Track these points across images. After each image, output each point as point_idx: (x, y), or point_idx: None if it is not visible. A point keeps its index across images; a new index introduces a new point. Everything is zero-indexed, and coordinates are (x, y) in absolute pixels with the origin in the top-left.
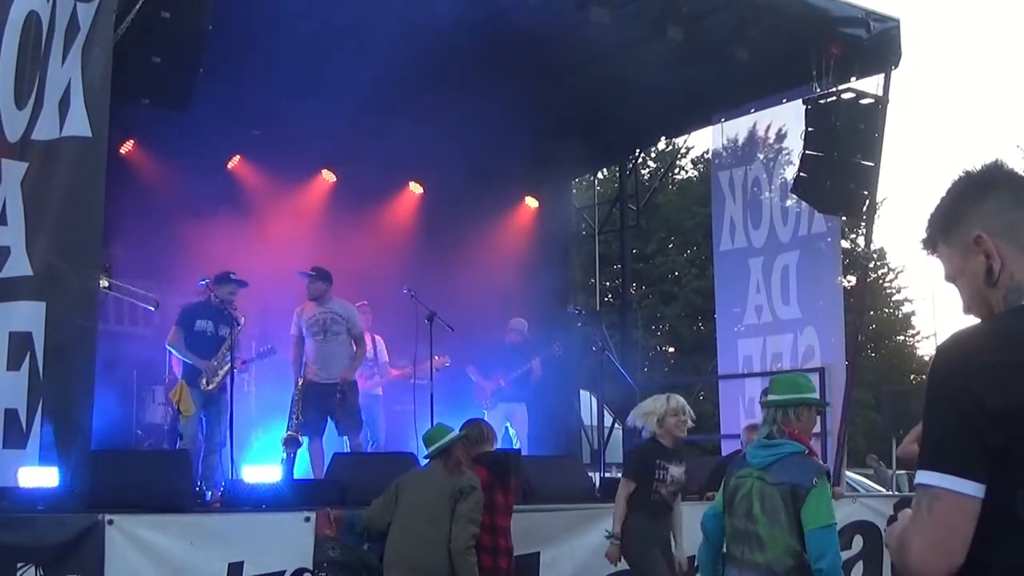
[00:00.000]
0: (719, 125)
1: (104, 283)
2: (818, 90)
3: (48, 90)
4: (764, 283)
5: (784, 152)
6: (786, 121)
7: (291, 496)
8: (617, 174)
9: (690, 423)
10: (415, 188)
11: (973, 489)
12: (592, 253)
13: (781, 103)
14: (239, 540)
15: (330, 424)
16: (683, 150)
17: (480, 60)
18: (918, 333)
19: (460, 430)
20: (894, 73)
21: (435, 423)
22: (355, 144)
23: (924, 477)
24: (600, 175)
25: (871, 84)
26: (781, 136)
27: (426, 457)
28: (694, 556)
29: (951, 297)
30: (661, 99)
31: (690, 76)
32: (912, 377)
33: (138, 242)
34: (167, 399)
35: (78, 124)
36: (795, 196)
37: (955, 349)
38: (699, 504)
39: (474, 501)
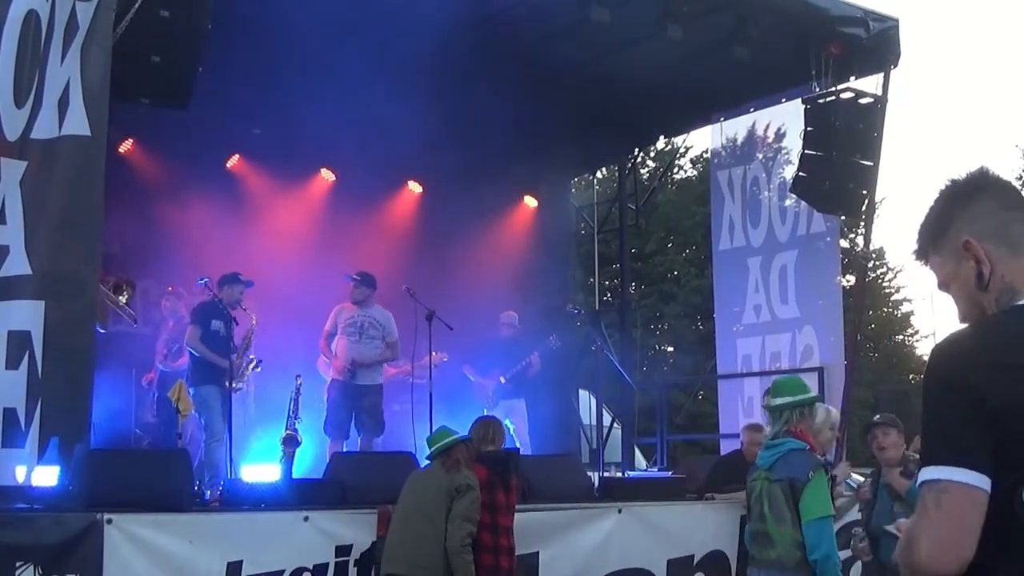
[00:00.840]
0: (718, 124)
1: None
2: (817, 89)
3: (47, 89)
4: (763, 282)
5: (783, 151)
6: (785, 120)
7: (290, 495)
8: (616, 173)
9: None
10: (414, 187)
11: (981, 481)
12: (591, 252)
13: (780, 102)
14: (238, 539)
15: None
16: (682, 149)
17: (480, 59)
18: (917, 333)
19: (470, 429)
20: (893, 73)
21: (439, 425)
22: (354, 143)
23: (929, 473)
24: (599, 174)
25: (870, 84)
26: (780, 135)
27: (428, 458)
28: (693, 555)
29: (949, 297)
30: (660, 98)
31: (689, 75)
32: (911, 377)
33: (137, 241)
34: (144, 381)
35: (77, 123)
36: (794, 195)
37: (953, 348)
38: (697, 504)
39: (470, 500)
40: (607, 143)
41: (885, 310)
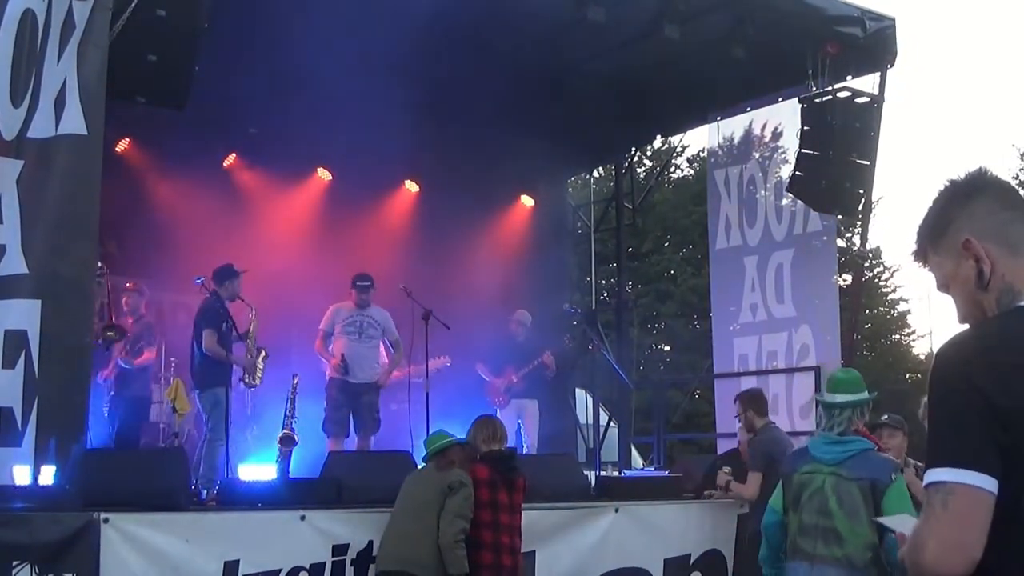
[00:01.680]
0: (715, 124)
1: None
2: (814, 89)
3: (44, 88)
4: (759, 282)
5: (780, 151)
6: (782, 120)
7: (287, 494)
8: (613, 172)
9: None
10: (411, 186)
11: (988, 483)
12: (588, 252)
13: (777, 102)
14: (235, 538)
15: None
16: (679, 149)
17: (477, 58)
18: (914, 332)
19: (471, 427)
20: (890, 72)
21: (436, 428)
22: (351, 142)
23: (936, 475)
24: (596, 174)
25: (867, 83)
26: (777, 135)
27: (424, 459)
28: (689, 555)
29: (947, 297)
30: (657, 97)
31: (686, 74)
32: (908, 376)
33: (134, 241)
34: (101, 377)
35: (74, 122)
36: (791, 195)
37: (957, 350)
38: (694, 503)
39: (463, 496)
40: (604, 142)
41: (881, 309)
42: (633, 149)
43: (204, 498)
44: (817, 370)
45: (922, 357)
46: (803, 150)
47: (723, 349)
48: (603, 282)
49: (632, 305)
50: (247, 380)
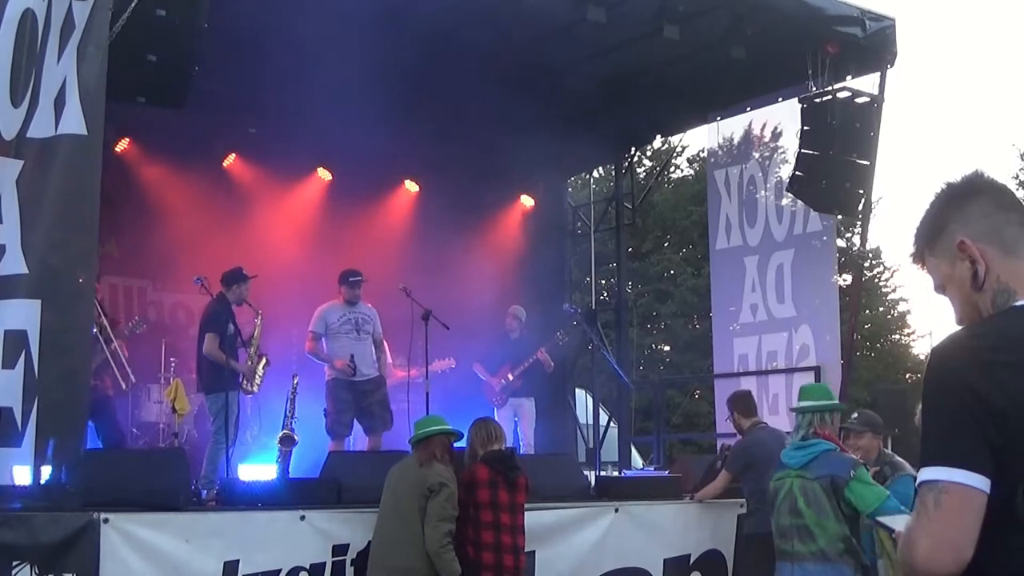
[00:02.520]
0: (715, 124)
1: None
2: (814, 89)
3: (44, 88)
4: (759, 281)
5: (780, 151)
6: (782, 120)
7: (287, 495)
8: (613, 172)
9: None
10: (411, 186)
11: (980, 482)
12: (587, 251)
13: (777, 102)
14: (234, 539)
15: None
16: (679, 149)
17: (476, 58)
18: (913, 332)
19: (468, 430)
20: (890, 72)
21: (430, 413)
22: (351, 142)
23: (929, 473)
24: (596, 173)
25: (867, 83)
26: (777, 135)
27: (409, 442)
28: (689, 555)
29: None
30: (657, 97)
31: (686, 75)
32: (907, 376)
33: (134, 240)
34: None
35: (74, 122)
36: (790, 195)
37: (952, 349)
38: (694, 504)
39: (444, 498)
40: (603, 142)
41: (881, 309)
42: (633, 149)
43: (204, 498)
44: (817, 370)
45: (922, 357)
46: (803, 150)
47: (723, 349)
48: (603, 282)
49: (632, 305)
50: (245, 387)
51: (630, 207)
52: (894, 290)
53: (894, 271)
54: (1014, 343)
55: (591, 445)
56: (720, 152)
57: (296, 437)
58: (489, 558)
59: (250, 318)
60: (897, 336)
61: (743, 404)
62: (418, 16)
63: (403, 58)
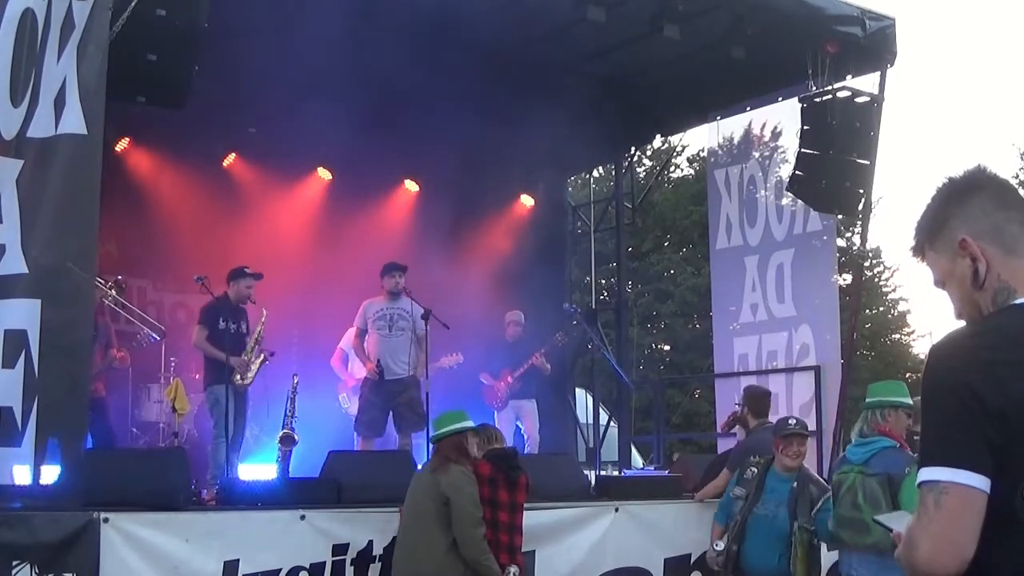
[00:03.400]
0: (715, 123)
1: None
2: (814, 88)
3: (44, 87)
4: (759, 281)
5: (780, 150)
6: (782, 119)
7: (287, 494)
8: (613, 172)
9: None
10: (411, 186)
11: (981, 482)
12: (587, 251)
13: (777, 101)
14: (234, 538)
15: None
16: (679, 148)
17: (476, 58)
18: (913, 332)
19: None
20: (890, 72)
21: (450, 409)
22: (351, 142)
23: (929, 473)
24: (596, 173)
25: (867, 82)
26: (777, 134)
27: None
28: (690, 554)
29: (945, 297)
30: (657, 97)
31: (686, 74)
32: (907, 376)
33: (134, 240)
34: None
35: (74, 122)
36: (791, 194)
37: (951, 348)
38: (694, 503)
39: (463, 504)
40: (603, 142)
41: (881, 309)
42: (633, 149)
43: (203, 497)
44: (817, 370)
45: (922, 357)
46: (803, 150)
47: (723, 349)
48: (603, 282)
49: (632, 305)
50: (236, 379)
51: (630, 207)
52: (894, 290)
53: (894, 271)
54: (1013, 342)
55: (591, 445)
56: (720, 152)
57: (296, 437)
58: None
59: (258, 316)
60: (897, 336)
61: (758, 403)
62: (418, 16)
63: (403, 58)
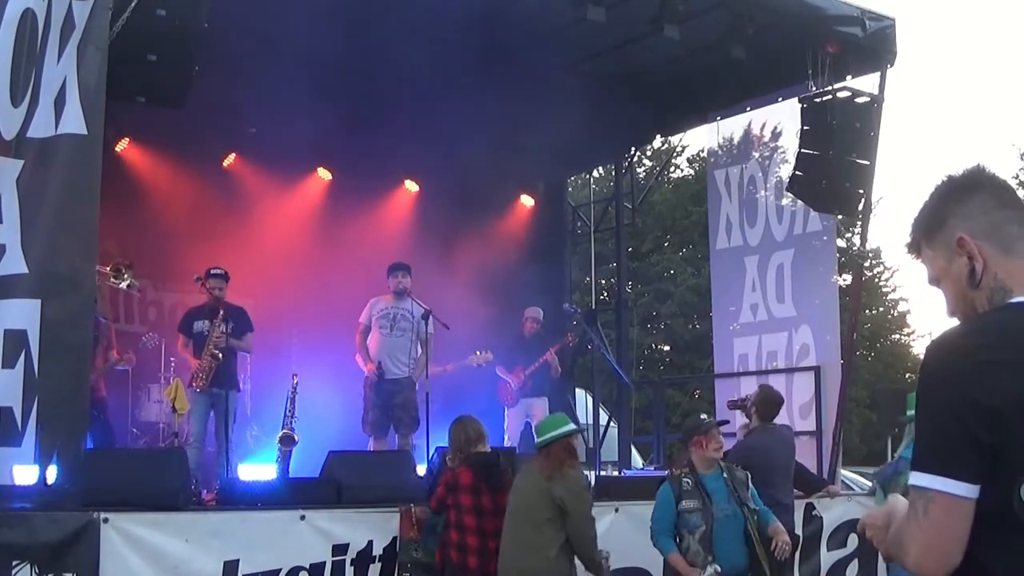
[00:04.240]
0: (715, 123)
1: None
2: (814, 88)
3: (44, 88)
4: (759, 281)
5: (780, 150)
6: (782, 119)
7: (286, 494)
8: (613, 172)
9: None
10: (411, 186)
11: (965, 490)
12: (588, 251)
13: (777, 101)
14: (234, 538)
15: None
16: (679, 148)
17: (476, 58)
18: (913, 332)
19: (449, 431)
20: (889, 72)
21: (558, 412)
22: (351, 142)
23: (917, 479)
24: (596, 173)
25: (867, 83)
26: (777, 134)
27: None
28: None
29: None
30: (657, 97)
31: (686, 74)
32: (907, 376)
33: (134, 240)
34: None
35: (74, 122)
36: (791, 195)
37: (945, 349)
38: None
39: (583, 513)
40: (604, 142)
41: (881, 309)
42: (633, 149)
43: (203, 497)
44: (817, 370)
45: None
46: (803, 150)
47: (723, 349)
48: (603, 282)
49: (632, 305)
50: (192, 383)
51: (630, 207)
52: (894, 290)
53: (894, 271)
54: (1008, 340)
55: (591, 445)
56: (720, 152)
57: (296, 437)
58: (474, 562)
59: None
60: (897, 336)
61: (769, 407)
62: (417, 16)
63: (402, 58)
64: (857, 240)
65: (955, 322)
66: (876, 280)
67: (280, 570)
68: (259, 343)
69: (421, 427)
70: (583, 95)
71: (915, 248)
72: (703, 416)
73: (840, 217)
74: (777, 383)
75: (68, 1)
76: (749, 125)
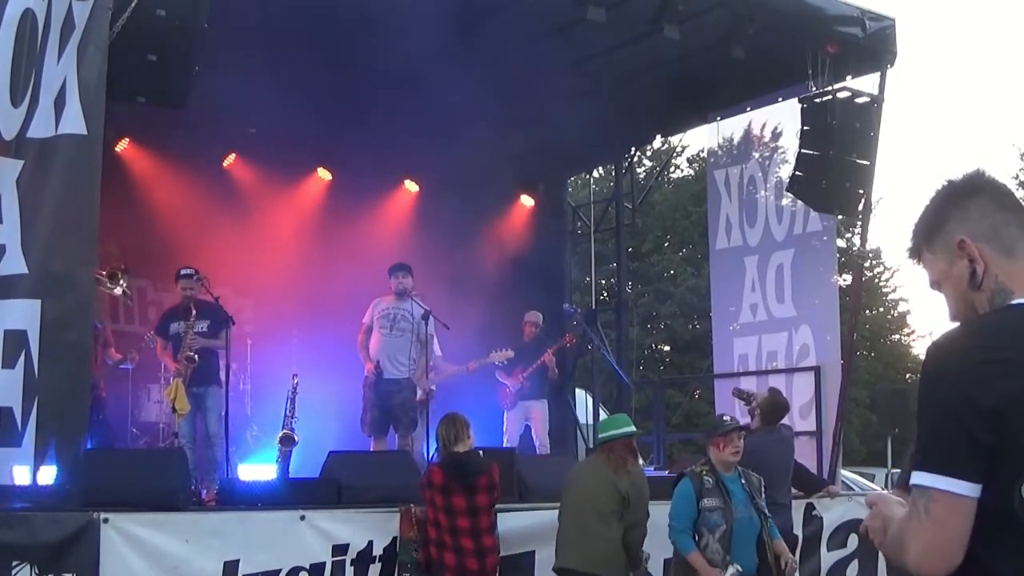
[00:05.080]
0: (715, 124)
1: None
2: (814, 89)
3: (44, 88)
4: (759, 281)
5: (780, 151)
6: (782, 120)
7: (286, 495)
8: (613, 172)
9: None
10: (411, 186)
11: (967, 489)
12: (588, 252)
13: (777, 101)
14: (234, 538)
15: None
16: (679, 149)
17: (475, 58)
18: (913, 332)
19: (436, 428)
20: (890, 72)
21: (619, 413)
22: (350, 142)
23: (919, 478)
24: (596, 174)
25: (867, 83)
26: (777, 135)
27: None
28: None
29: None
30: (657, 97)
31: (686, 75)
32: (907, 376)
33: (134, 240)
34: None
35: (74, 122)
36: (790, 195)
37: (946, 349)
38: None
39: (645, 508)
40: (604, 142)
41: (881, 309)
42: (633, 149)
43: (203, 497)
44: (817, 370)
45: (921, 357)
46: (803, 150)
47: (723, 349)
48: (603, 282)
49: (631, 305)
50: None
51: (630, 207)
52: (894, 290)
53: (894, 271)
54: (1008, 341)
55: (591, 445)
56: (720, 152)
57: (296, 437)
58: (451, 559)
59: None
60: (897, 336)
61: (774, 411)
62: (416, 17)
63: (401, 58)
64: (857, 240)
65: (953, 325)
66: (876, 280)
67: (280, 570)
68: (259, 343)
69: (422, 427)
70: (583, 95)
71: (916, 253)
72: (726, 417)
73: (840, 217)
74: (777, 383)
75: (68, 1)
76: (749, 125)
